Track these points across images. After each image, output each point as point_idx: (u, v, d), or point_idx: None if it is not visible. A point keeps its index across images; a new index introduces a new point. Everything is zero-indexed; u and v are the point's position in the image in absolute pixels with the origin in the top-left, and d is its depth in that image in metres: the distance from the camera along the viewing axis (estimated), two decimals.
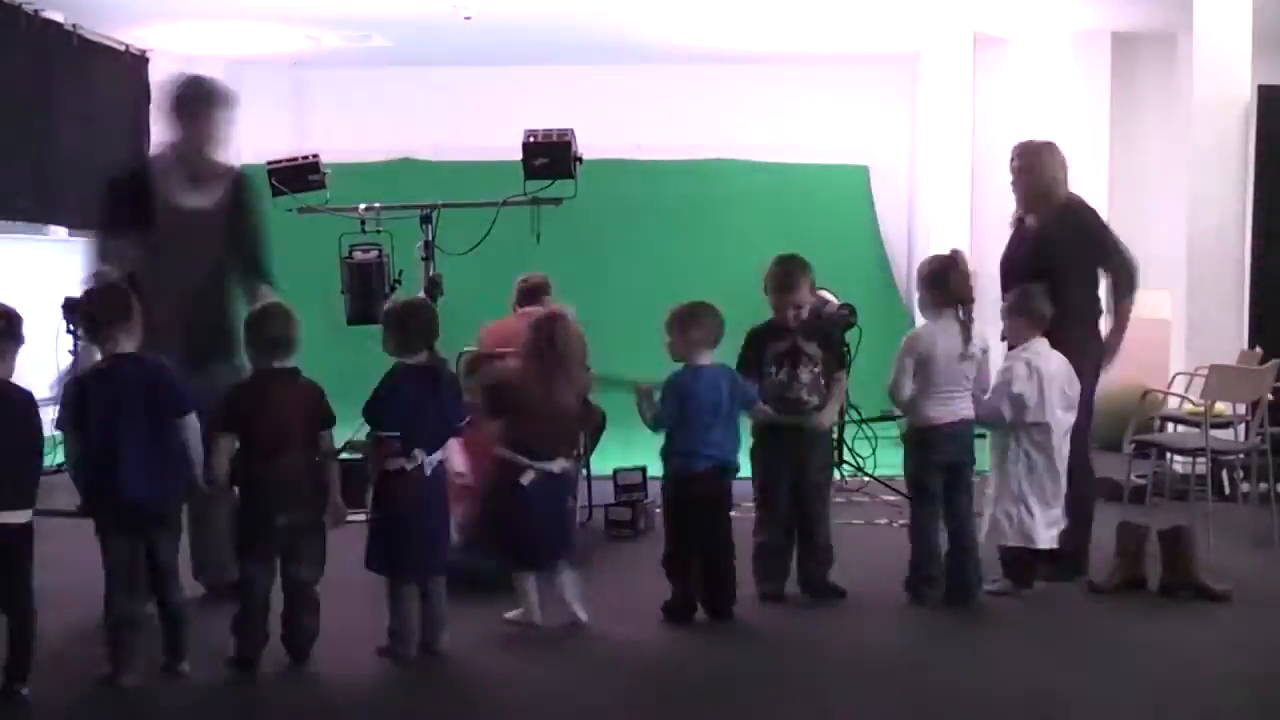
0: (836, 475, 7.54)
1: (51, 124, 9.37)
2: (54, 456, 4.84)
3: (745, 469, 5.37)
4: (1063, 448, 5.30)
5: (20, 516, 4.17)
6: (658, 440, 5.18)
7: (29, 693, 4.12)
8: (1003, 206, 10.56)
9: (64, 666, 4.45)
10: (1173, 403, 7.51)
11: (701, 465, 5.05)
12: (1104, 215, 9.93)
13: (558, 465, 4.91)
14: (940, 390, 5.25)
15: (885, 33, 10.21)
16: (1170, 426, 7.29)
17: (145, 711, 4.14)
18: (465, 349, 6.50)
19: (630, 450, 7.43)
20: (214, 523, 4.98)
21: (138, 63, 10.60)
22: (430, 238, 7.13)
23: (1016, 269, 5.66)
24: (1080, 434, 5.43)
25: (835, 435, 7.64)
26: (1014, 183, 5.78)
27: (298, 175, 7.30)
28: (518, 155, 6.98)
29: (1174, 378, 7.69)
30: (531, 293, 6.91)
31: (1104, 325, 5.74)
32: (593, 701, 4.26)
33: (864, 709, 4.20)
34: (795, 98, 11.43)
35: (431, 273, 7.11)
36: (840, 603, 5.30)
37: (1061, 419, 5.29)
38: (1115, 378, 6.12)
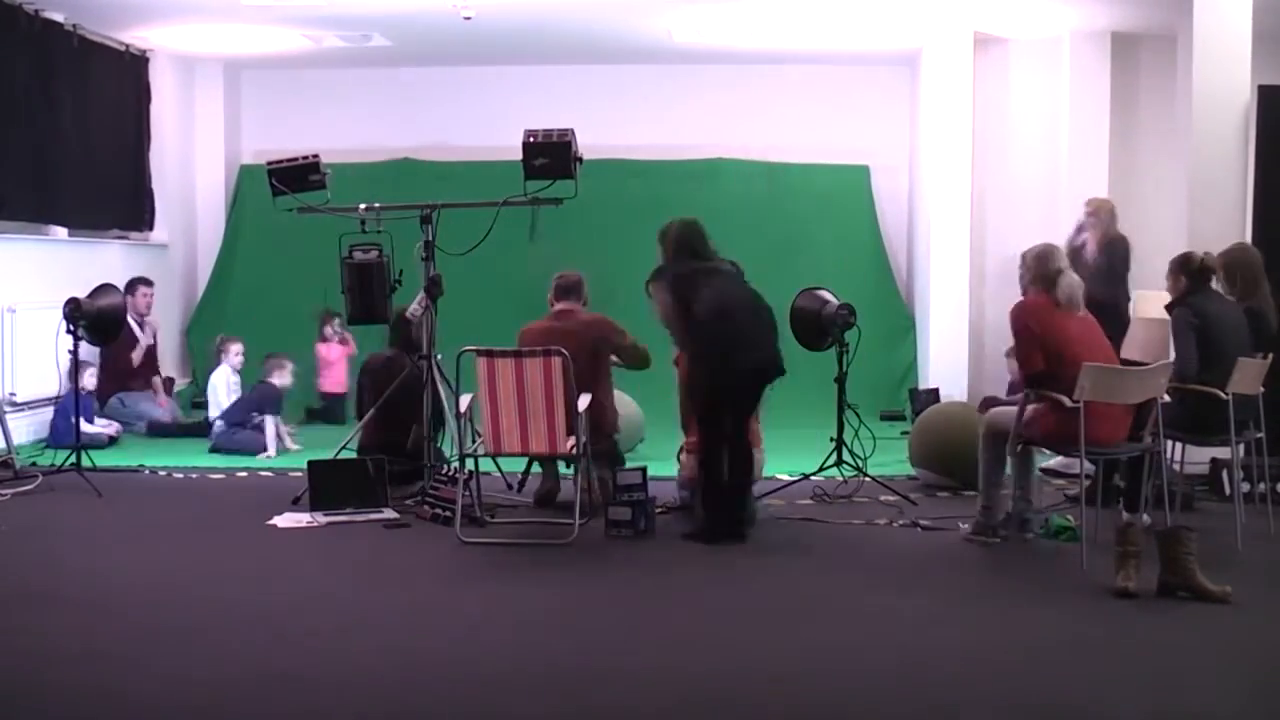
0: (837, 475, 7.58)
1: (51, 124, 9.37)
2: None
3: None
4: None
5: None
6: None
7: None
8: (1003, 205, 10.65)
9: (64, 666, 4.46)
10: None
11: None
12: None
13: None
14: None
15: (885, 33, 10.21)
16: None
17: (146, 712, 4.13)
18: (464, 348, 6.52)
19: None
20: None
21: (138, 63, 10.61)
22: (430, 238, 7.14)
23: None
24: None
25: (835, 435, 7.69)
26: None
27: (298, 175, 7.31)
28: (518, 155, 6.99)
29: None
30: (565, 290, 7.09)
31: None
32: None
33: (861, 709, 4.20)
34: (795, 98, 11.43)
35: (431, 273, 7.12)
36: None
37: None
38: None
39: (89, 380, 9.07)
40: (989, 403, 6.79)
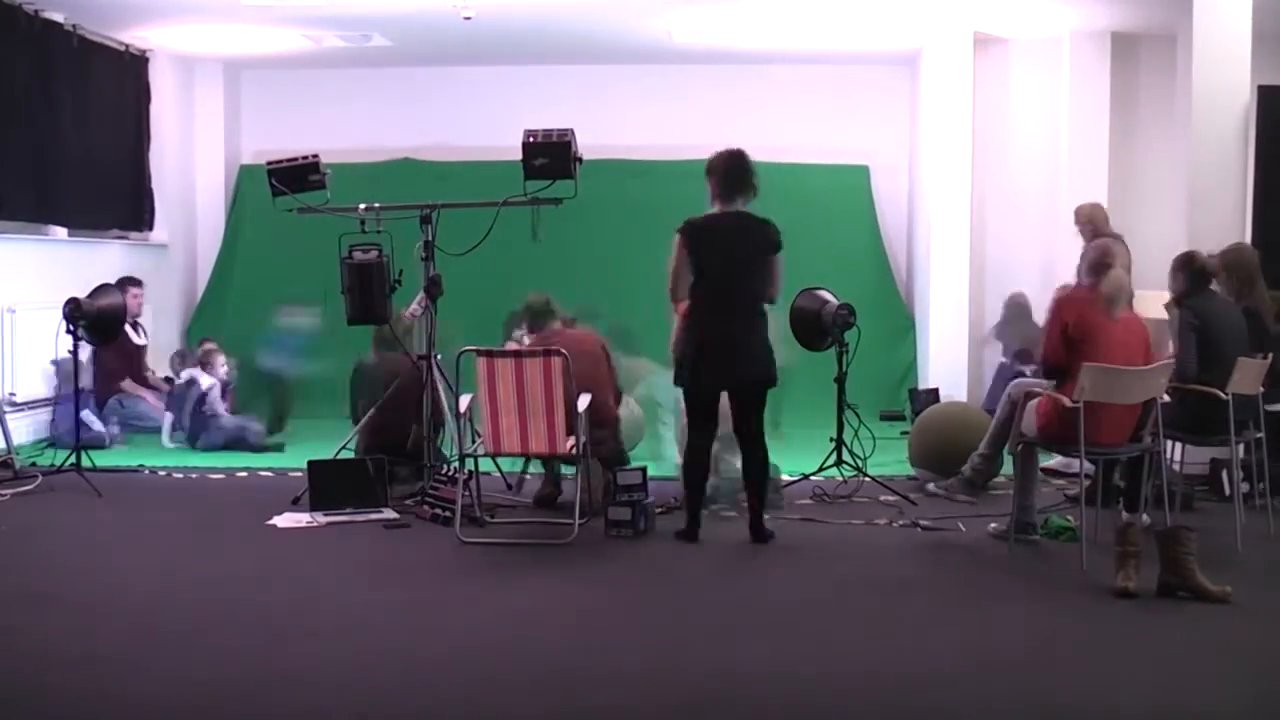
0: (837, 475, 7.58)
1: (51, 124, 9.37)
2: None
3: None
4: None
5: None
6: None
7: None
8: (1003, 205, 10.65)
9: (66, 666, 4.46)
10: None
11: None
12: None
13: None
14: None
15: (885, 33, 10.20)
16: None
17: (146, 713, 4.13)
18: (464, 348, 6.52)
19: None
20: None
21: (138, 63, 10.60)
22: (430, 238, 7.14)
23: None
24: None
25: (835, 435, 7.69)
26: None
27: (298, 175, 7.32)
28: (518, 155, 6.99)
29: None
30: (537, 314, 7.18)
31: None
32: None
33: (860, 709, 4.20)
34: (795, 98, 11.42)
35: (431, 273, 7.12)
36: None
37: None
38: None
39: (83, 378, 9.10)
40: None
